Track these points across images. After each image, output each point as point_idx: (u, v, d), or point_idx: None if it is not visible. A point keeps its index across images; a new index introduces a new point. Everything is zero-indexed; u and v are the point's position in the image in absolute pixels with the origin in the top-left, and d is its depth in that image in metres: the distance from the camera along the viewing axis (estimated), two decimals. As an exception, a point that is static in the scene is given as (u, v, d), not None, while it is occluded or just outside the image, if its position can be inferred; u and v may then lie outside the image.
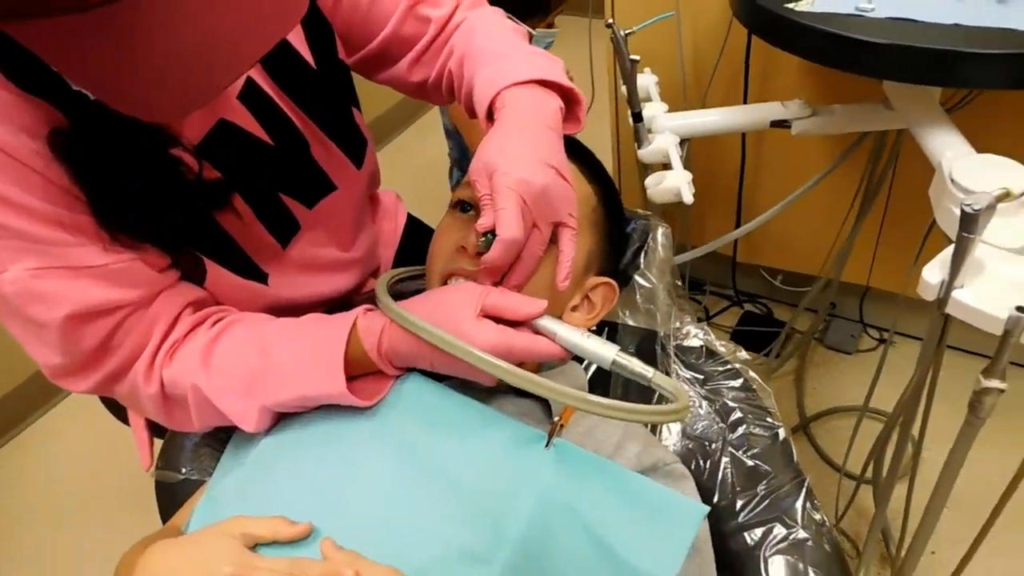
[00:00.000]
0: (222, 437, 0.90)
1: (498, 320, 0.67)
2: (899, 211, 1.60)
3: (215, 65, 0.52)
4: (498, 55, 0.81)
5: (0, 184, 0.63)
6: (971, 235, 0.75)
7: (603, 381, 0.87)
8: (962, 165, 0.88)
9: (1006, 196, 0.80)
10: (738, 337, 1.94)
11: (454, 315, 0.66)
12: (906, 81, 0.99)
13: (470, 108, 0.85)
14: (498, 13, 0.93)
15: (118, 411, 1.14)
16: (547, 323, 0.68)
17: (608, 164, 1.97)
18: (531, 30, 1.35)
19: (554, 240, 0.72)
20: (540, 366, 0.81)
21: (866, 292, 1.83)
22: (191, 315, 0.77)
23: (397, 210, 1.19)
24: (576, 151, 0.84)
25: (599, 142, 1.89)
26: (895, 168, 1.47)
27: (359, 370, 0.72)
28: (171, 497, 0.89)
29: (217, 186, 0.78)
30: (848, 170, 1.50)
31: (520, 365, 0.64)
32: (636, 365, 0.66)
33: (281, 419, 0.74)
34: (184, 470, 0.90)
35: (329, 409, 0.72)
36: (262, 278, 0.87)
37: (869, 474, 1.38)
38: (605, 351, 0.66)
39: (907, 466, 1.43)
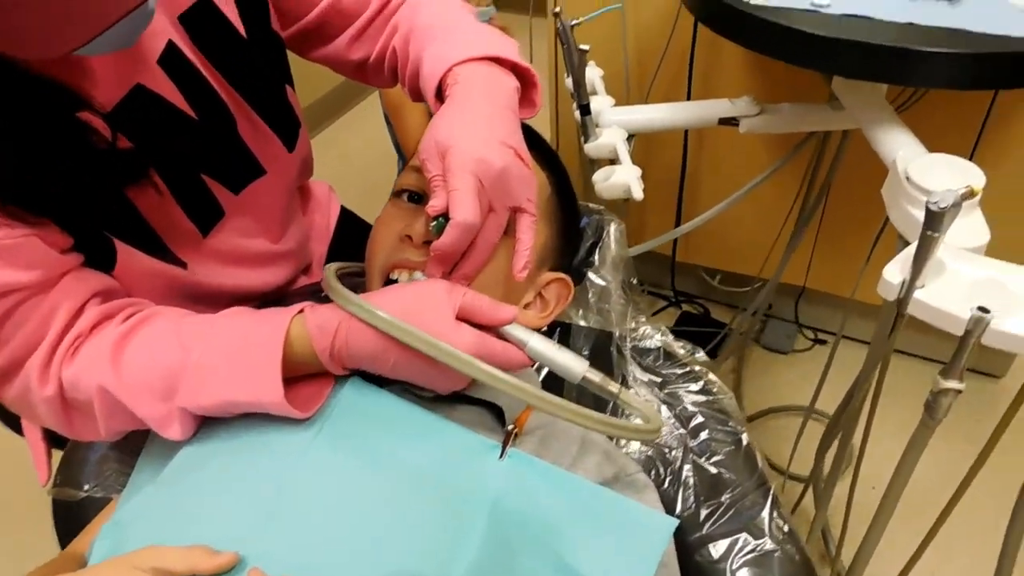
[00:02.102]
0: (131, 448, 0.81)
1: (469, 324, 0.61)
2: (837, 213, 1.60)
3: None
4: (448, 30, 0.75)
5: None
6: (936, 233, 0.73)
7: (553, 388, 0.82)
8: (918, 164, 0.87)
9: (971, 194, 0.78)
10: (676, 337, 1.92)
11: (431, 316, 0.60)
12: (859, 78, 0.97)
13: (415, 88, 0.78)
14: None
15: (8, 419, 1.03)
16: (517, 332, 0.63)
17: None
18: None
19: (508, 228, 0.67)
20: None
21: (802, 293, 1.84)
22: (98, 305, 0.68)
23: (330, 202, 1.12)
24: (528, 137, 0.78)
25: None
26: (836, 169, 1.47)
27: (294, 372, 0.64)
28: (71, 518, 0.80)
29: (132, 158, 0.69)
30: (789, 171, 1.50)
31: None
32: (606, 381, 0.62)
33: (202, 425, 0.66)
34: (86, 487, 0.81)
35: (257, 416, 0.64)
36: (180, 265, 0.78)
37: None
38: (576, 365, 0.62)
39: (846, 466, 1.44)
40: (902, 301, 0.80)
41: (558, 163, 0.81)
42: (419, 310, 0.60)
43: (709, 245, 1.80)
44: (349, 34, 0.84)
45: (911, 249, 0.78)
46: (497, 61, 0.72)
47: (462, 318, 0.61)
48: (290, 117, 0.87)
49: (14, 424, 1.00)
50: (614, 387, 0.62)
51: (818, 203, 1.45)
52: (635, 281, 0.85)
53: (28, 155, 0.61)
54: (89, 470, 0.82)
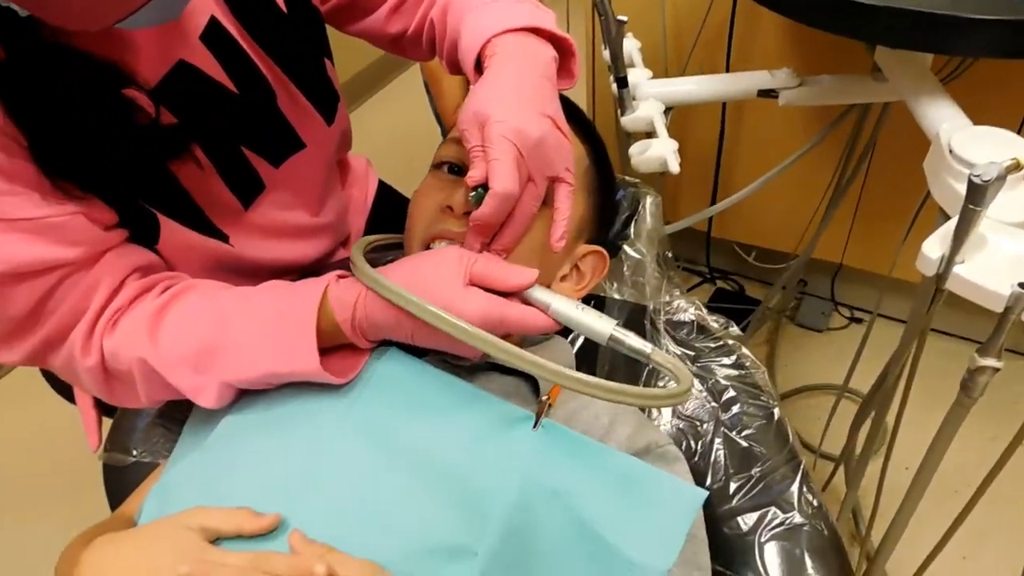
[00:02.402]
0: (177, 416, 0.84)
1: (485, 290, 0.61)
2: (876, 189, 1.58)
3: None
4: (485, 2, 0.75)
5: None
6: (978, 207, 0.72)
7: (587, 358, 0.83)
8: (962, 137, 0.85)
9: (1016, 167, 0.76)
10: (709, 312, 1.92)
11: (440, 283, 0.60)
12: (904, 47, 0.95)
13: (453, 61, 0.79)
14: None
15: (62, 388, 1.06)
16: (539, 294, 0.62)
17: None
18: None
19: (546, 199, 0.67)
20: (523, 341, 0.76)
21: (838, 270, 1.82)
22: (137, 280, 0.70)
23: (368, 176, 1.13)
24: (566, 108, 0.78)
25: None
26: (874, 145, 1.44)
27: (330, 342, 0.65)
28: (121, 482, 0.83)
29: (175, 133, 0.70)
30: (826, 146, 1.47)
31: (505, 338, 0.59)
32: (634, 340, 0.60)
33: (242, 396, 0.68)
34: (135, 452, 0.84)
35: (296, 386, 0.66)
36: (223, 238, 0.80)
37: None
38: (601, 325, 0.60)
39: (879, 445, 1.43)
40: (941, 276, 0.79)
41: (595, 135, 0.81)
42: (429, 279, 0.61)
43: (744, 221, 1.79)
44: (387, 7, 0.84)
45: (952, 223, 0.77)
46: (535, 32, 0.72)
47: (477, 284, 0.61)
48: (329, 91, 0.88)
49: (67, 394, 1.04)
50: (645, 346, 0.60)
51: (855, 178, 1.42)
52: (670, 255, 0.85)
53: (75, 131, 0.63)
54: (137, 436, 0.85)
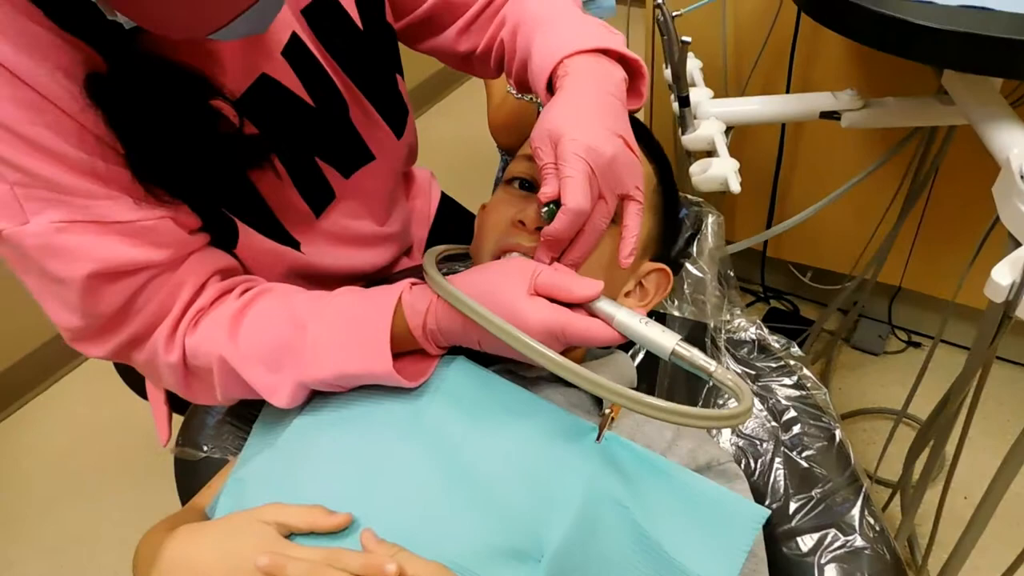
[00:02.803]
0: (245, 415, 0.87)
1: (551, 300, 0.63)
2: (939, 212, 1.55)
3: None
4: (555, 24, 0.77)
5: (31, 127, 0.59)
6: (1051, 235, 0.71)
7: (649, 371, 0.84)
8: (1034, 162, 0.84)
9: (1090, 195, 0.76)
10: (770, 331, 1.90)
11: (506, 292, 0.62)
12: (971, 72, 0.95)
13: (522, 80, 0.81)
14: None
15: (135, 383, 1.11)
16: (604, 305, 0.63)
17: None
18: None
19: (615, 217, 0.68)
20: (586, 353, 0.77)
21: (896, 293, 1.79)
22: (219, 282, 0.73)
23: (431, 188, 1.16)
24: (636, 129, 0.80)
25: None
26: (938, 168, 1.42)
27: (402, 347, 0.68)
28: (192, 476, 0.86)
29: (256, 142, 0.74)
30: (888, 168, 1.46)
31: (569, 350, 0.60)
32: (697, 357, 0.60)
33: (314, 397, 0.71)
34: (205, 448, 0.87)
35: (366, 389, 0.68)
36: (294, 245, 0.84)
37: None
38: (665, 340, 0.61)
39: (937, 473, 1.40)
40: (1011, 304, 0.78)
41: (663, 155, 0.82)
42: (496, 287, 0.62)
43: (801, 241, 1.77)
44: (457, 26, 0.87)
45: (1020, 251, 0.77)
46: (605, 53, 0.73)
47: (543, 294, 0.62)
48: (399, 105, 0.91)
49: (139, 388, 1.09)
50: (708, 363, 0.59)
51: (916, 201, 1.41)
52: (731, 274, 0.85)
53: (166, 138, 0.66)
54: (208, 433, 0.88)
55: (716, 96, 1.22)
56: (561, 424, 0.65)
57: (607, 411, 0.66)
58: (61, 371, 2.06)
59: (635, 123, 0.81)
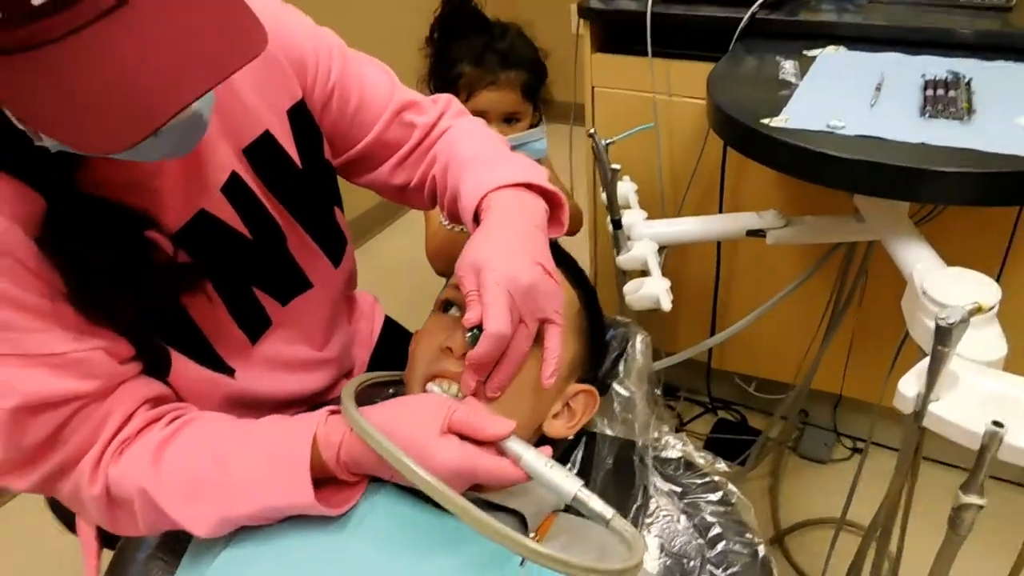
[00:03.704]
0: (177, 549, 0.85)
1: (464, 437, 0.65)
2: (871, 320, 1.62)
3: (149, 102, 0.53)
4: (483, 161, 0.82)
5: None
6: (945, 348, 0.75)
7: (585, 468, 0.85)
8: (934, 279, 0.90)
9: (978, 310, 0.81)
10: (712, 444, 1.92)
11: (417, 429, 0.64)
12: (873, 195, 1.02)
13: (453, 213, 0.85)
14: (480, 123, 0.95)
15: (65, 518, 1.08)
16: (514, 445, 0.65)
17: (587, 269, 1.99)
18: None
19: (538, 340, 0.71)
20: None
21: (839, 401, 1.84)
22: (148, 411, 0.74)
23: (374, 312, 1.18)
24: (558, 256, 0.84)
25: (577, 247, 1.91)
26: (866, 278, 1.50)
27: (326, 474, 0.68)
28: None
29: (188, 269, 0.77)
30: (821, 278, 1.53)
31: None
32: (596, 504, 0.63)
33: (240, 529, 0.70)
34: (132, 586, 0.84)
35: (292, 519, 0.68)
36: (228, 372, 0.85)
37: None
38: (567, 485, 0.63)
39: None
40: (918, 414, 0.82)
41: (586, 280, 0.86)
42: (408, 424, 0.65)
43: (743, 352, 1.82)
44: (392, 162, 0.92)
45: (925, 362, 0.81)
46: (528, 187, 0.78)
47: (456, 431, 0.64)
48: (338, 236, 0.94)
49: (69, 523, 1.06)
50: (606, 511, 0.62)
51: (845, 311, 1.47)
52: (658, 392, 0.88)
53: (102, 270, 0.68)
54: (136, 569, 0.85)
55: (654, 215, 1.29)
56: (487, 551, 0.65)
57: (532, 535, 0.67)
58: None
59: (559, 251, 0.85)
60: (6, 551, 1.86)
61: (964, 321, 0.74)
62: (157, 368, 0.78)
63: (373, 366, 1.11)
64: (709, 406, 2.01)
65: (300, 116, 0.85)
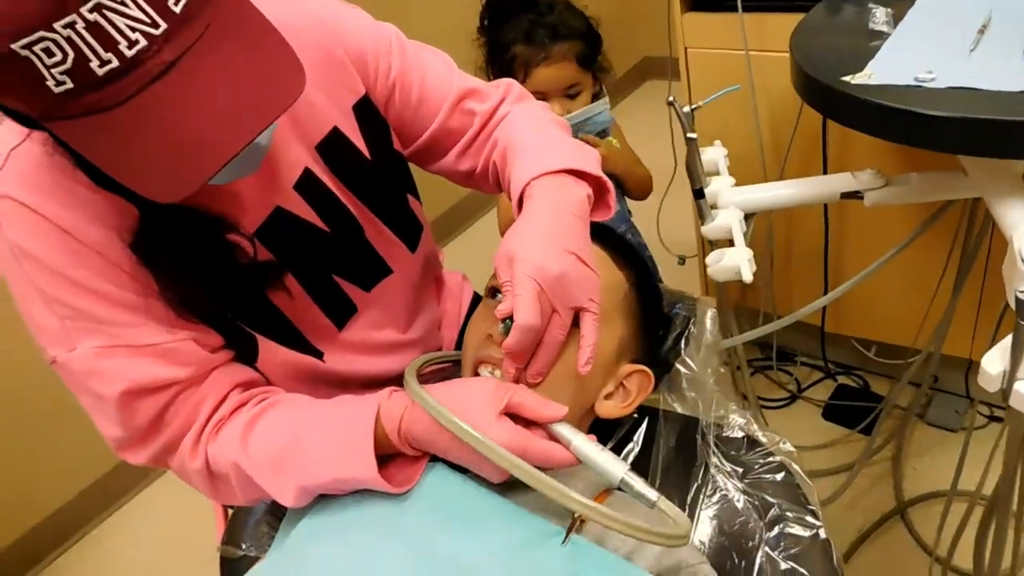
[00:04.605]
0: (281, 513, 0.94)
1: (518, 418, 0.68)
2: (999, 281, 1.49)
3: (202, 155, 0.58)
4: (532, 147, 0.83)
5: (75, 270, 0.71)
6: (1029, 324, 0.70)
7: (642, 458, 0.86)
8: (1033, 244, 0.83)
9: (1066, 284, 0.74)
10: (831, 411, 1.84)
11: (475, 410, 0.68)
12: (967, 154, 0.94)
13: (511, 197, 0.87)
14: (542, 107, 0.96)
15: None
16: (563, 430, 0.68)
17: (691, 235, 1.95)
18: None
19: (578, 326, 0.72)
20: None
21: (970, 365, 1.71)
22: (239, 395, 0.82)
23: (462, 291, 1.22)
24: (607, 238, 0.84)
25: (682, 213, 1.87)
26: (993, 232, 1.38)
27: (388, 450, 0.74)
28: (233, 574, 0.92)
29: (269, 266, 0.83)
30: (939, 236, 1.42)
31: None
32: (641, 487, 0.65)
33: (318, 501, 0.77)
34: (244, 546, 0.93)
35: (361, 493, 0.74)
36: (318, 355, 0.91)
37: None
38: (614, 468, 0.66)
39: (1021, 560, 1.31)
40: (1004, 392, 0.76)
41: (637, 260, 0.86)
42: (466, 404, 0.68)
43: (857, 315, 1.73)
44: (457, 150, 0.95)
45: (1011, 338, 0.75)
46: (574, 173, 0.79)
47: (510, 414, 0.68)
48: (412, 223, 0.98)
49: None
50: (651, 494, 0.65)
51: (968, 270, 1.36)
52: (723, 370, 0.87)
53: (190, 272, 0.77)
54: (247, 531, 0.95)
55: (753, 181, 1.24)
56: (531, 528, 0.68)
57: (576, 515, 0.69)
58: (151, 478, 2.22)
59: (608, 232, 0.85)
60: (166, 512, 2.10)
61: (1047, 294, 0.68)
62: (246, 355, 0.86)
63: (461, 345, 1.16)
64: (827, 371, 1.93)
65: (365, 111, 0.89)
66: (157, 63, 0.56)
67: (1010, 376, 0.74)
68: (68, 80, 0.54)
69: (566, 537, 0.67)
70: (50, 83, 0.54)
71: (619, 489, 0.68)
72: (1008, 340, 0.74)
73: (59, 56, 0.53)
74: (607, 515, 0.61)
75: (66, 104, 0.55)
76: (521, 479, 0.63)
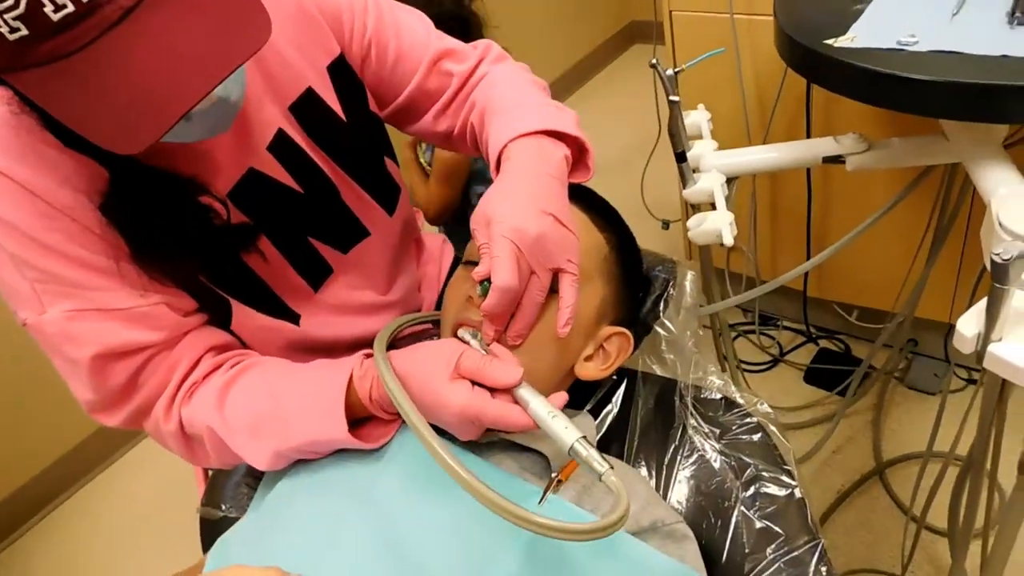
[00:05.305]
0: (261, 475, 0.94)
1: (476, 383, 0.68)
2: (978, 245, 1.50)
3: (162, 104, 0.57)
4: (509, 109, 0.82)
5: (45, 232, 0.70)
6: (1003, 286, 0.70)
7: (620, 428, 0.86)
8: (1011, 206, 0.83)
9: (1041, 245, 0.74)
10: (812, 374, 1.86)
11: (431, 374, 0.68)
12: (950, 118, 0.94)
13: (488, 159, 0.86)
14: (521, 68, 0.95)
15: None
16: (524, 392, 0.67)
17: (676, 199, 1.95)
18: None
19: (558, 288, 0.72)
20: None
21: (950, 329, 1.73)
22: (213, 358, 0.81)
23: (443, 253, 1.21)
24: (587, 200, 0.84)
25: (667, 178, 1.87)
26: (973, 198, 1.38)
27: (363, 413, 0.74)
28: (212, 534, 0.91)
29: (243, 229, 0.82)
30: (920, 201, 1.43)
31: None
32: (592, 457, 0.62)
33: (298, 462, 0.77)
34: (223, 507, 0.94)
35: (337, 455, 0.75)
36: (294, 318, 0.91)
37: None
38: (566, 436, 0.63)
39: (994, 519, 1.34)
40: (979, 355, 0.77)
41: (618, 222, 0.86)
42: (423, 368, 0.69)
43: (840, 280, 1.74)
44: (434, 110, 0.93)
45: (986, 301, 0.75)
46: (551, 134, 0.78)
47: (468, 377, 0.67)
48: (389, 185, 0.97)
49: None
50: (601, 465, 0.61)
51: (947, 235, 1.37)
52: (701, 333, 0.87)
53: (162, 234, 0.75)
54: (227, 493, 0.95)
55: (738, 145, 1.24)
56: (507, 488, 0.68)
57: (554, 475, 0.69)
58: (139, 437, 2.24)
59: (589, 194, 0.85)
60: (153, 478, 2.11)
61: (1022, 258, 0.69)
62: (219, 319, 0.85)
63: (440, 305, 1.15)
64: (809, 335, 1.94)
65: (340, 71, 0.87)
66: (115, 8, 0.55)
67: (984, 338, 0.74)
68: (22, 26, 0.53)
69: (542, 497, 0.67)
70: (4, 30, 0.53)
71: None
72: (983, 303, 0.74)
73: (11, 1, 0.52)
74: (533, 521, 0.59)
75: (23, 53, 0.54)
76: (451, 476, 0.62)
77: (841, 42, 0.96)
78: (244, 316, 0.86)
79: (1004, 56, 0.86)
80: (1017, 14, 0.92)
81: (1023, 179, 0.91)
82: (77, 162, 0.70)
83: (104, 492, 2.13)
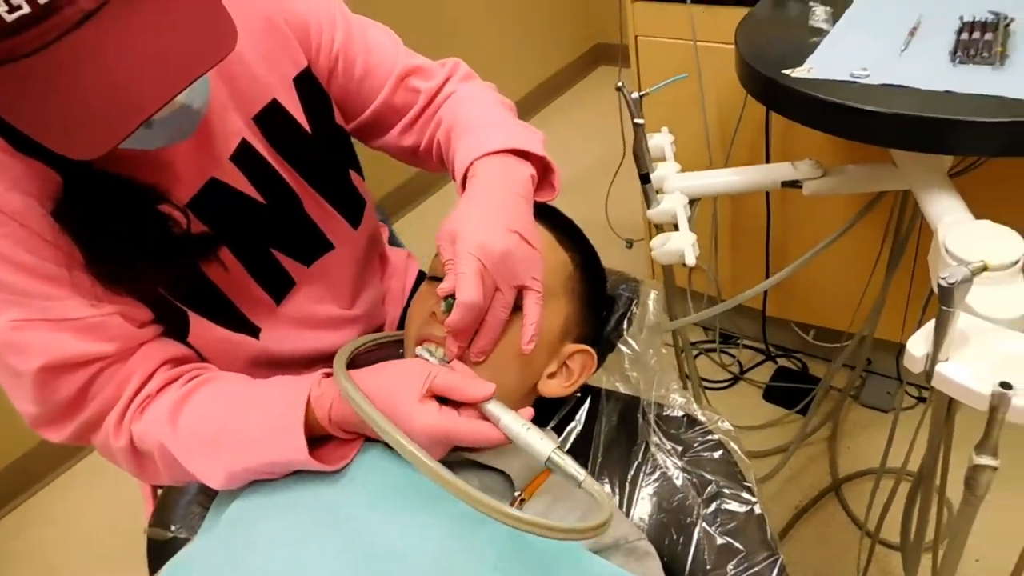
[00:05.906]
0: (214, 494, 0.92)
1: (446, 400, 0.68)
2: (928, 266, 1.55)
3: (120, 111, 0.56)
4: (477, 127, 0.84)
5: None
6: (949, 308, 0.73)
7: (583, 443, 0.87)
8: (956, 233, 0.86)
9: (983, 269, 0.78)
10: (772, 392, 1.90)
11: (397, 395, 0.67)
12: (897, 148, 0.98)
13: (455, 177, 0.88)
14: (489, 87, 0.96)
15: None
16: (493, 408, 0.67)
17: (640, 219, 1.98)
18: None
19: (521, 306, 0.73)
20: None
21: (902, 348, 1.77)
22: (167, 371, 0.79)
23: (407, 268, 1.21)
24: (552, 219, 0.85)
25: (630, 198, 1.90)
26: (921, 223, 1.43)
27: (320, 432, 0.73)
28: (161, 556, 0.90)
29: (203, 239, 0.81)
30: (874, 225, 1.47)
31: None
32: (569, 466, 0.63)
33: (254, 482, 0.76)
34: (173, 527, 0.91)
35: (296, 475, 0.73)
36: (254, 332, 0.89)
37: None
38: (541, 447, 0.64)
39: (944, 532, 1.37)
40: (927, 375, 0.80)
41: (582, 241, 0.87)
42: (389, 389, 0.68)
43: (798, 300, 1.78)
44: (400, 126, 0.94)
45: (934, 322, 0.78)
46: (517, 153, 0.80)
47: (439, 395, 0.67)
48: (354, 198, 0.97)
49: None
50: (579, 473, 0.63)
51: (900, 258, 1.41)
52: (663, 351, 0.89)
53: (117, 243, 0.73)
54: (178, 512, 0.92)
55: (700, 168, 1.26)
56: (468, 508, 0.69)
57: (517, 494, 0.70)
58: (82, 454, 2.15)
59: (554, 213, 0.87)
60: (92, 497, 2.05)
61: (966, 281, 0.72)
62: (176, 331, 0.83)
63: (405, 322, 1.15)
64: (768, 354, 1.98)
65: (307, 84, 0.87)
66: (75, 11, 0.54)
67: (933, 358, 0.77)
68: None
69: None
70: None
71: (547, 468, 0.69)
72: (931, 324, 0.77)
73: None
74: (516, 517, 0.61)
75: None
76: (432, 479, 0.63)
77: (798, 72, 1.00)
78: (202, 328, 0.84)
79: (948, 92, 0.91)
80: (959, 53, 0.96)
81: (966, 207, 0.95)
82: (27, 166, 0.69)
83: (44, 511, 2.05)
